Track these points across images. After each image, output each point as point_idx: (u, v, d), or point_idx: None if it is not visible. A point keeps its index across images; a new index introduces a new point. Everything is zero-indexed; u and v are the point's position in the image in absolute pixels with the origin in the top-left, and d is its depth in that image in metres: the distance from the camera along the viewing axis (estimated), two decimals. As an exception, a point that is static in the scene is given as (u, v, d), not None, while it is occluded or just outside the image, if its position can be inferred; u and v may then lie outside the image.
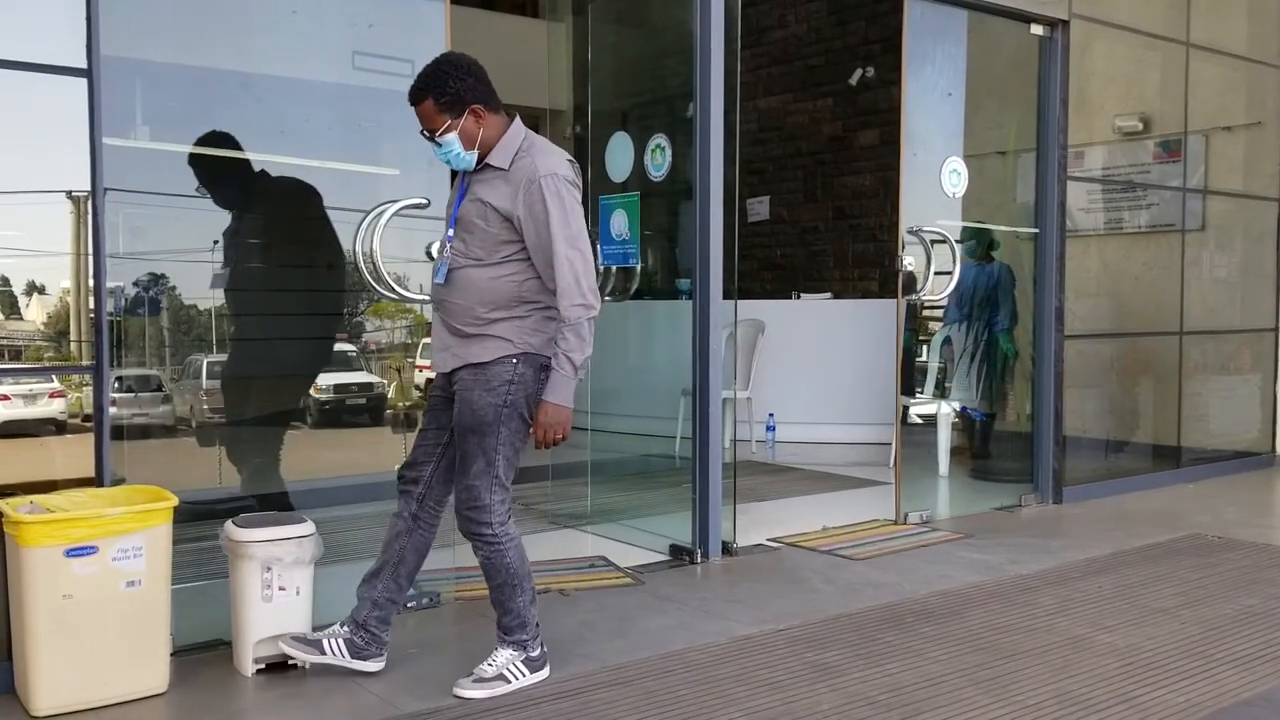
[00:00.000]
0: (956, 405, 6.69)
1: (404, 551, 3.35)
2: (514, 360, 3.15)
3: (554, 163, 3.15)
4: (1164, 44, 6.62)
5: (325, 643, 3.31)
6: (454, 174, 3.39)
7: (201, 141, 4.06)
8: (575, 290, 3.09)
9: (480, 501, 3.18)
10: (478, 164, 3.20)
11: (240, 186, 4.27)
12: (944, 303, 6.46)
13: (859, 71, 8.96)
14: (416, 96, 3.14)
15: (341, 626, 3.35)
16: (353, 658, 3.31)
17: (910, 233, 5.47)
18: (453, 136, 3.14)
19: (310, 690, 3.26)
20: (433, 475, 3.34)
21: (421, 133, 3.19)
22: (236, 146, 4.11)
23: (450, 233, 3.24)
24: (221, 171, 4.16)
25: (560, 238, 3.09)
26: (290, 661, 3.37)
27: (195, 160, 4.09)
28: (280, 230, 4.49)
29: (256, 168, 4.26)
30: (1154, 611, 4.05)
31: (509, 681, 3.22)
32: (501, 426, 3.16)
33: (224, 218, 4.36)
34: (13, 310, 3.54)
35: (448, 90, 3.10)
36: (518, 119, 3.25)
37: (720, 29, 4.65)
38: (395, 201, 3.82)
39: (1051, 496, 6.07)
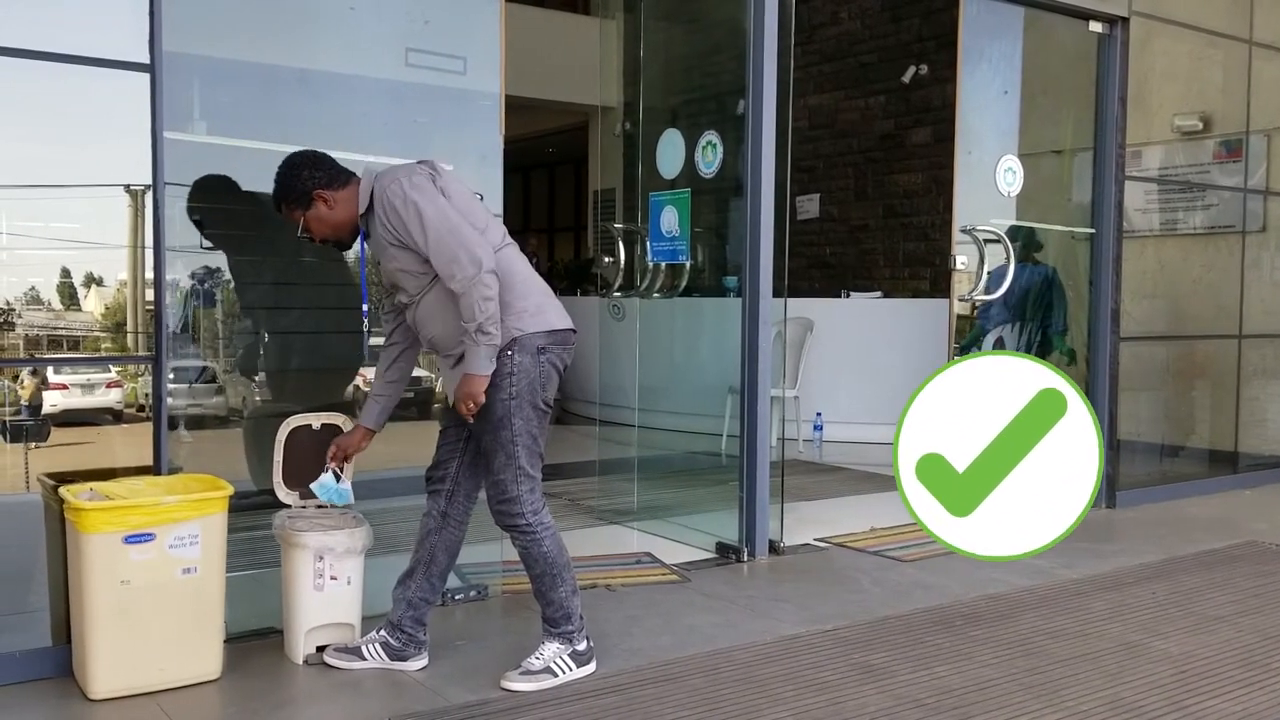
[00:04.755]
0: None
1: (434, 550, 3.39)
2: (508, 352, 3.14)
3: (390, 177, 3.19)
4: (1226, 42, 6.50)
5: (364, 648, 3.37)
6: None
7: (200, 186, 3.95)
8: (455, 264, 3.06)
9: (508, 494, 3.21)
10: (356, 233, 3.29)
11: (244, 222, 4.26)
12: (983, 303, 6.37)
13: (912, 69, 8.89)
14: (275, 205, 3.30)
15: (379, 631, 3.40)
16: (392, 660, 3.35)
17: (964, 231, 5.42)
18: (316, 225, 3.26)
19: (360, 680, 3.29)
20: (458, 472, 3.39)
21: (299, 235, 3.29)
22: (232, 187, 4.08)
23: (394, 296, 3.33)
24: (225, 215, 4.16)
25: (418, 232, 3.10)
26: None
27: (196, 212, 4.03)
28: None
29: (245, 190, 4.23)
30: (1209, 619, 3.99)
31: (555, 675, 3.23)
32: (513, 419, 3.17)
33: (274, 214, 4.42)
34: (72, 301, 3.60)
35: (291, 189, 3.23)
36: (365, 168, 3.29)
37: (773, 25, 4.63)
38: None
39: (1105, 500, 5.98)
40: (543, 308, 3.22)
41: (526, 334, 3.16)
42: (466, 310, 3.06)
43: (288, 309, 4.52)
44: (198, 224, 3.97)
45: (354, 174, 3.29)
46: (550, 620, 3.30)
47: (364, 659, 3.35)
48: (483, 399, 3.11)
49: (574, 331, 3.30)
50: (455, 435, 3.38)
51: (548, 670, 3.23)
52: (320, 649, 3.40)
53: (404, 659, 3.36)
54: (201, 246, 4.01)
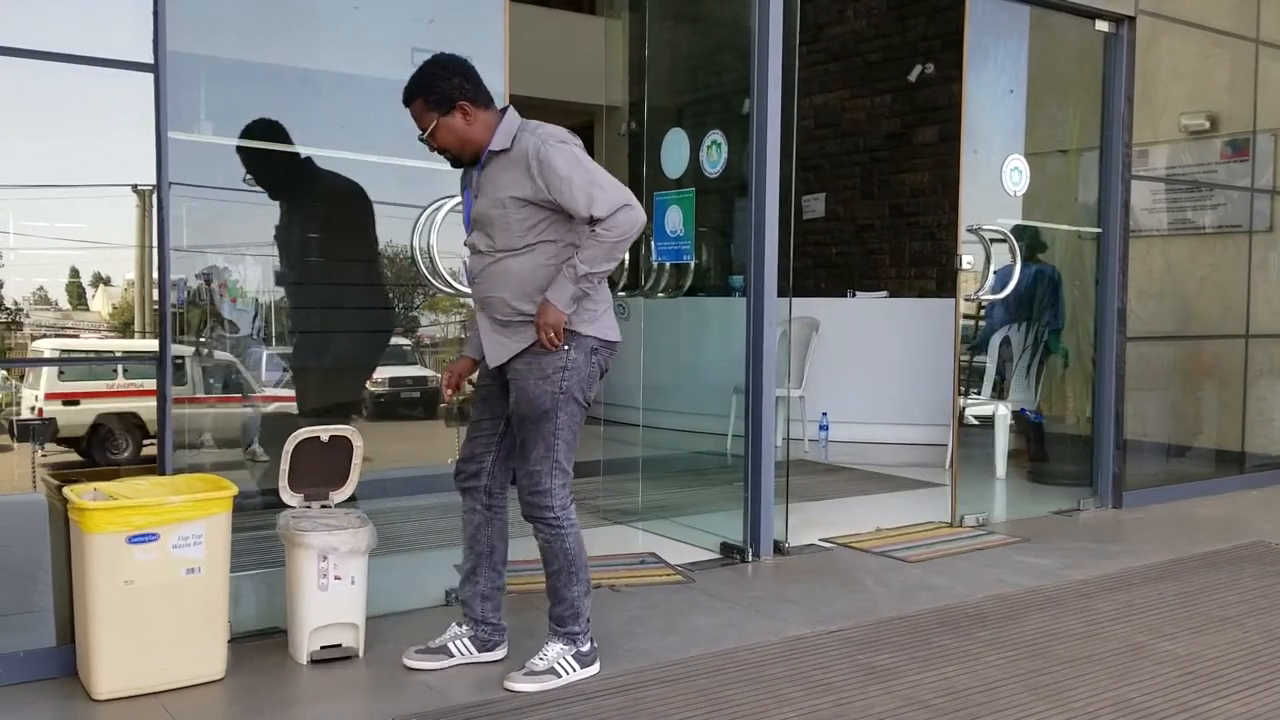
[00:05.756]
0: (1014, 407, 6.60)
1: (491, 541, 3.42)
2: (565, 347, 3.17)
3: (555, 130, 3.21)
4: (1232, 41, 6.47)
5: (450, 645, 3.41)
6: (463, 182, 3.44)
7: (249, 130, 4.10)
8: (629, 208, 3.09)
9: (541, 486, 3.22)
10: (475, 159, 3.25)
11: (289, 176, 4.33)
12: (988, 303, 6.37)
13: (918, 68, 8.87)
14: (407, 98, 3.22)
15: (460, 627, 3.44)
16: (480, 651, 3.41)
17: (970, 231, 5.41)
18: (443, 133, 3.20)
19: (364, 680, 3.29)
20: (493, 464, 3.39)
21: (419, 136, 3.24)
22: (284, 135, 4.16)
23: (471, 234, 3.29)
24: (270, 162, 4.22)
25: (589, 184, 3.09)
26: (343, 651, 3.42)
27: (244, 151, 4.14)
28: (332, 224, 4.56)
29: (302, 157, 4.32)
30: (1216, 620, 3.97)
31: (559, 676, 3.23)
32: (559, 413, 3.19)
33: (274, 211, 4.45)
34: (80, 301, 3.61)
35: (435, 89, 3.17)
36: (511, 108, 3.29)
37: (779, 24, 4.62)
38: (452, 197, 3.85)
39: (1111, 501, 5.97)
40: (607, 315, 3.29)
41: (586, 335, 3.20)
42: (593, 253, 3.07)
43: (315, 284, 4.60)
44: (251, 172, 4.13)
45: (493, 101, 3.28)
46: (558, 619, 3.30)
47: (452, 655, 3.39)
48: (562, 329, 3.12)
49: (619, 343, 3.36)
50: (491, 428, 3.38)
51: (551, 671, 3.23)
52: (324, 648, 3.40)
53: (491, 649, 3.43)
54: (243, 180, 4.14)
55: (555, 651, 3.27)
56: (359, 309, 4.67)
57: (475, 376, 3.46)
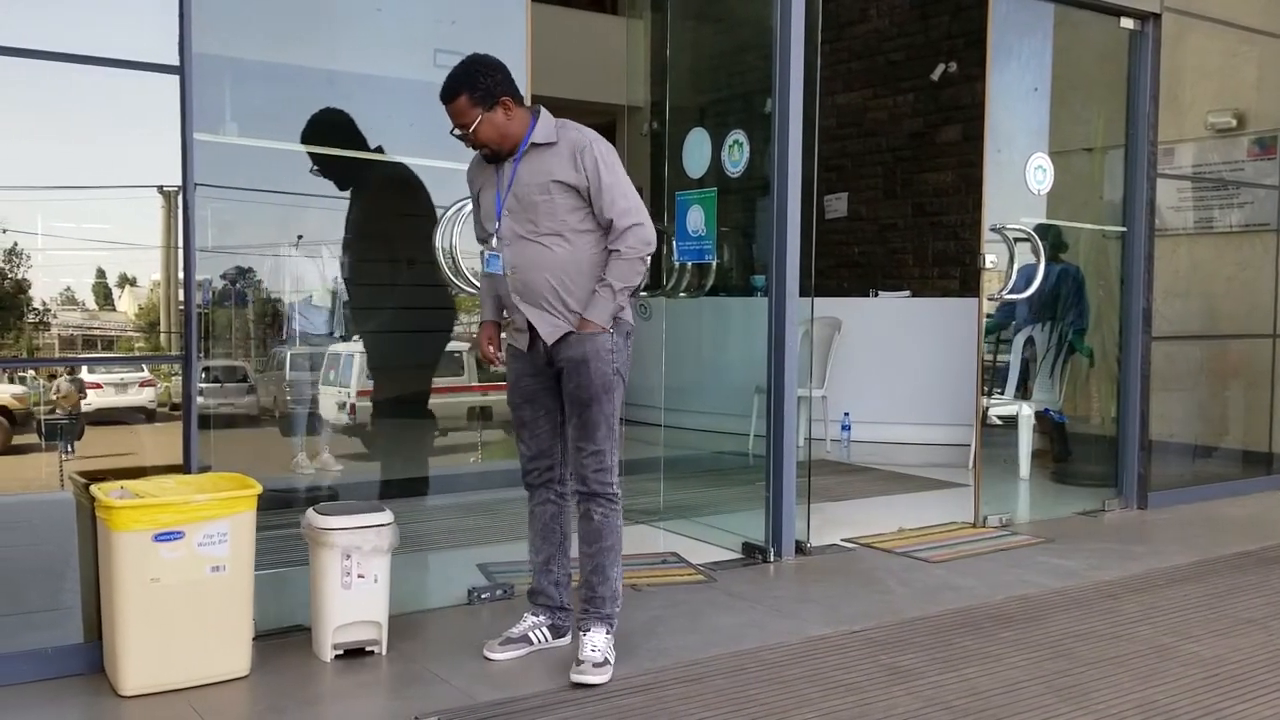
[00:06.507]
0: (1038, 407, 6.56)
1: (565, 530, 3.57)
2: (610, 331, 3.33)
3: (585, 130, 3.35)
4: (1260, 38, 6.41)
5: (530, 635, 3.51)
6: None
7: (315, 122, 4.19)
8: (645, 226, 3.30)
9: (605, 463, 3.37)
10: (512, 153, 3.33)
11: (355, 168, 4.41)
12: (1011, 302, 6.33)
13: (941, 67, 8.83)
14: (450, 94, 3.27)
15: (537, 617, 3.54)
16: (554, 639, 3.54)
17: (993, 230, 5.38)
18: (486, 128, 3.27)
19: (387, 678, 3.31)
20: (561, 456, 3.51)
21: (452, 131, 3.30)
22: (352, 126, 4.23)
23: (502, 224, 3.34)
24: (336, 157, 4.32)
25: (619, 193, 3.28)
26: (367, 649, 3.44)
27: (311, 144, 4.24)
28: (400, 216, 4.63)
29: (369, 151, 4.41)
30: (1242, 622, 3.94)
31: (611, 663, 3.31)
32: (615, 391, 3.38)
33: (306, 213, 4.48)
34: (106, 301, 3.64)
35: (479, 85, 3.24)
36: (543, 107, 3.41)
37: (800, 23, 4.62)
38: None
39: (1136, 501, 5.92)
40: (628, 303, 3.48)
41: (621, 319, 3.37)
42: (622, 270, 3.27)
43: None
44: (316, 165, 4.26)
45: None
46: (599, 600, 3.38)
47: (532, 644, 3.50)
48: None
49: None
50: (549, 422, 3.48)
51: (608, 661, 3.31)
52: (348, 646, 3.42)
53: (563, 634, 3.55)
54: (310, 172, 4.28)
55: (602, 639, 3.34)
56: (424, 308, 4.76)
57: (514, 378, 3.49)
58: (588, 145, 3.28)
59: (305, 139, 4.21)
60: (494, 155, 3.34)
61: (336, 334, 4.81)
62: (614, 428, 3.39)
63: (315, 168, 4.27)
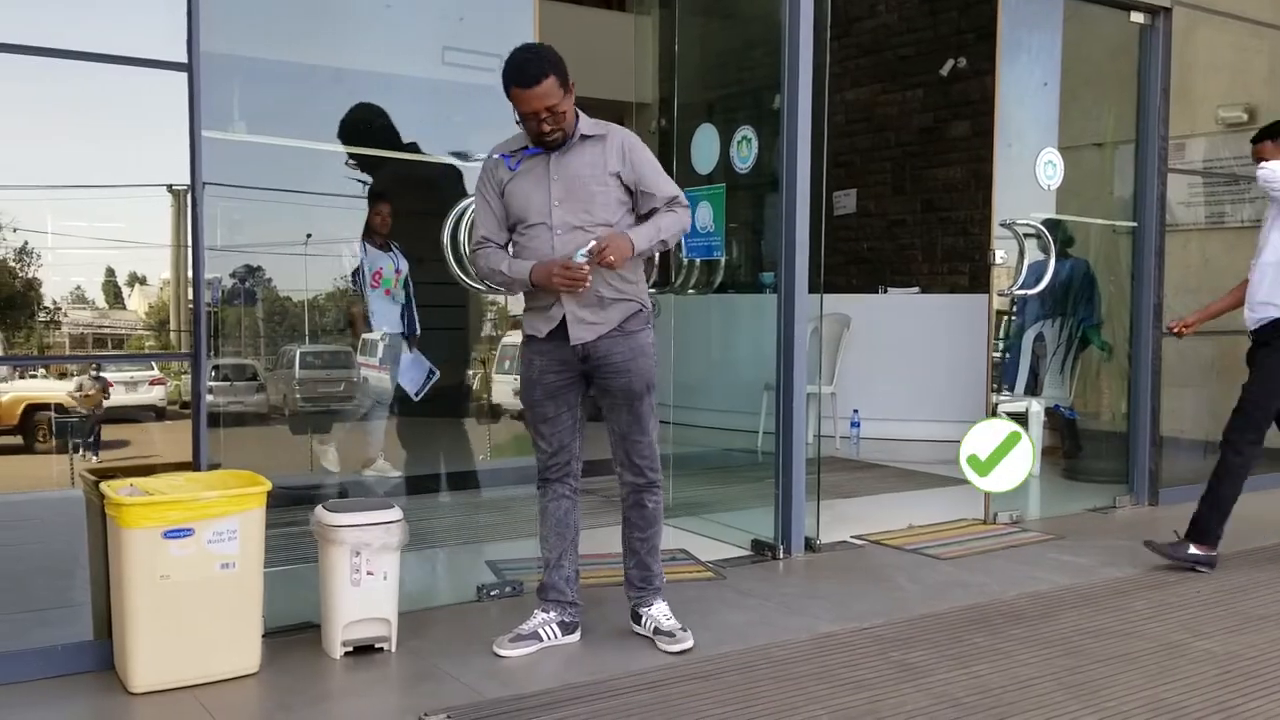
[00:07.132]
0: (1048, 403, 6.54)
1: (577, 525, 3.62)
2: (648, 324, 3.48)
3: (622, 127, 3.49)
4: (1271, 32, 6.38)
5: (540, 631, 3.53)
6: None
7: (352, 114, 4.21)
8: (682, 209, 3.46)
9: (655, 452, 3.51)
10: (563, 142, 3.34)
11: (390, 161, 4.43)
12: (1021, 298, 6.32)
13: (951, 62, 8.81)
14: (537, 77, 3.21)
15: (547, 613, 3.56)
16: (564, 635, 3.56)
17: (1003, 225, 5.36)
18: (566, 108, 3.30)
19: (396, 675, 3.31)
20: (579, 451, 3.58)
21: (538, 113, 3.23)
22: (386, 121, 4.24)
23: (553, 211, 3.32)
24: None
25: (664, 179, 3.46)
26: (376, 646, 3.44)
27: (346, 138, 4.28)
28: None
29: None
30: (1254, 618, 3.92)
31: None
32: (655, 386, 3.51)
33: (315, 213, 4.48)
34: (116, 300, 3.65)
35: (562, 68, 3.28)
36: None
37: (809, 19, 4.60)
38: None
39: (1147, 498, 5.90)
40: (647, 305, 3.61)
41: (650, 309, 3.51)
42: (669, 222, 3.40)
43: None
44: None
45: None
46: (656, 576, 3.59)
47: (542, 640, 3.52)
48: (622, 262, 3.28)
49: None
50: (570, 419, 3.52)
51: (682, 627, 3.51)
52: (357, 643, 3.42)
53: (572, 631, 3.59)
54: (345, 164, 4.34)
55: (666, 609, 3.56)
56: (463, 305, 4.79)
57: (535, 374, 3.47)
58: (632, 140, 3.41)
59: (350, 137, 4.21)
60: (549, 145, 3.31)
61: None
62: (657, 420, 3.53)
63: (353, 161, 4.28)
